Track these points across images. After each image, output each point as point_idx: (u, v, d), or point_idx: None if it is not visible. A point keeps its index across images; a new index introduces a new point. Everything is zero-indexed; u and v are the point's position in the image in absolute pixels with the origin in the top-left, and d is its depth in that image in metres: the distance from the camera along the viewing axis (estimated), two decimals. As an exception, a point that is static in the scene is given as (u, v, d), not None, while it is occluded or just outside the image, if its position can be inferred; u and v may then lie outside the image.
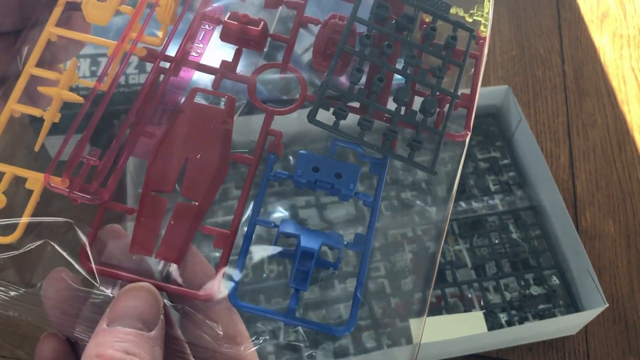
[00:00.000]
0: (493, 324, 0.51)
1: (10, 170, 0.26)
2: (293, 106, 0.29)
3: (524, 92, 0.70)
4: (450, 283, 0.54)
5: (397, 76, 0.29)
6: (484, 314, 0.51)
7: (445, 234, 0.32)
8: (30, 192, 0.26)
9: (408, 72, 0.28)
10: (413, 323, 0.50)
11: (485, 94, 0.63)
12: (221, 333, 0.25)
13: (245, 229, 0.26)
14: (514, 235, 0.57)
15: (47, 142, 0.27)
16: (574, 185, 0.63)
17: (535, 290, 0.54)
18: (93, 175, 0.26)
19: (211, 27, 0.30)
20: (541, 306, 0.53)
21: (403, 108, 0.28)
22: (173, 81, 0.28)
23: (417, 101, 0.29)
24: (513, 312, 0.52)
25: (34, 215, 0.25)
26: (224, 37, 0.29)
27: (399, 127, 0.28)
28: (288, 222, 0.27)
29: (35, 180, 0.26)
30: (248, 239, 0.26)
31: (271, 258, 0.26)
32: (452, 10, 0.30)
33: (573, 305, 0.53)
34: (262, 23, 0.29)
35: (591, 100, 0.69)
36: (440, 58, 0.29)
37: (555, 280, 0.54)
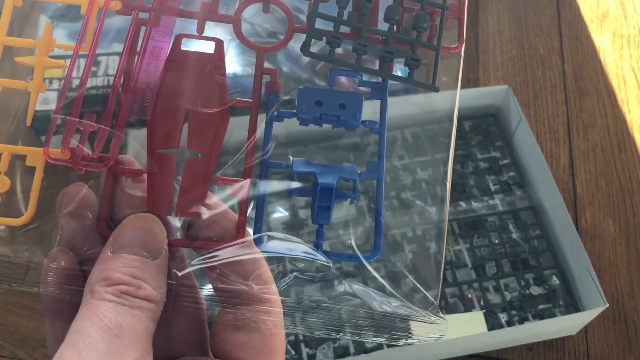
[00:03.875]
0: (493, 324, 0.51)
1: (7, 150, 0.25)
2: (282, 40, 0.28)
3: (524, 92, 0.70)
4: (450, 283, 0.54)
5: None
6: (484, 314, 0.51)
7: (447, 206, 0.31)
8: (33, 170, 0.25)
9: None
10: (413, 323, 0.50)
11: (485, 94, 0.63)
12: (250, 277, 0.25)
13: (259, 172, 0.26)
14: (514, 235, 0.57)
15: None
16: (574, 185, 0.63)
17: (535, 290, 0.54)
18: (94, 141, 0.25)
19: None
20: (541, 306, 0.53)
21: (395, 27, 0.27)
22: (156, 32, 0.27)
23: (407, 19, 0.28)
24: (513, 312, 0.52)
25: (41, 191, 0.25)
26: None
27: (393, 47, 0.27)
28: (300, 160, 0.26)
29: (35, 156, 0.25)
30: (264, 178, 0.26)
31: (289, 196, 0.26)
32: None
33: (573, 305, 0.53)
34: None
35: (591, 100, 0.69)
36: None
37: (555, 280, 0.54)
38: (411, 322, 0.29)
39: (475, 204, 0.58)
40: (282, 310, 0.27)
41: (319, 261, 0.25)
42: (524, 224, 0.57)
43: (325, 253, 0.25)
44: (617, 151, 0.65)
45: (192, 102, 0.26)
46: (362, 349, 0.50)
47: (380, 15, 0.28)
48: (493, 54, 0.73)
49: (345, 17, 0.26)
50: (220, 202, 0.26)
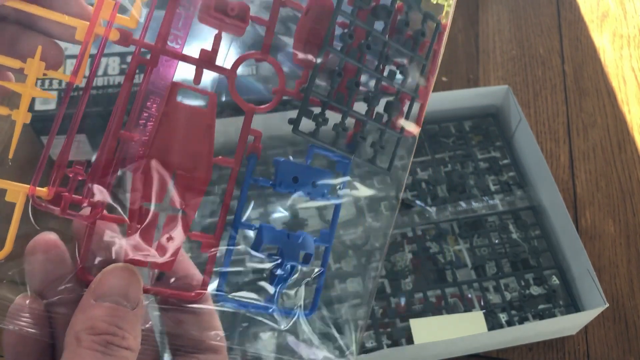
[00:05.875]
0: (493, 324, 0.51)
1: None
2: (271, 103, 0.28)
3: (524, 92, 0.70)
4: (450, 283, 0.54)
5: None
6: (484, 314, 0.51)
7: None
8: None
9: (379, 74, 0.29)
10: (413, 323, 0.51)
11: (485, 94, 0.63)
12: (205, 327, 0.27)
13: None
14: (514, 235, 0.57)
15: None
16: (574, 185, 0.63)
17: (535, 290, 0.54)
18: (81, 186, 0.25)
19: (191, 10, 0.27)
20: (541, 306, 0.53)
21: (371, 110, 0.30)
22: (155, 79, 0.26)
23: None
24: (513, 312, 0.52)
25: (21, 226, 0.24)
26: (201, 18, 0.27)
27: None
28: (267, 228, 0.28)
29: (16, 193, 0.24)
30: (232, 242, 0.28)
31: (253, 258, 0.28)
32: None
33: (573, 305, 0.53)
34: (242, 3, 0.27)
35: (591, 100, 0.69)
36: (407, 54, 0.30)
37: (555, 280, 0.54)
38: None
39: (475, 204, 0.58)
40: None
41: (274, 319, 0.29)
42: (524, 224, 0.57)
43: (279, 310, 0.29)
44: (617, 151, 0.65)
45: (180, 162, 0.26)
46: (362, 349, 0.50)
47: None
48: (493, 54, 0.73)
49: (338, 83, 0.28)
50: (187, 258, 0.28)
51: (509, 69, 0.72)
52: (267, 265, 0.28)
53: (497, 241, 0.57)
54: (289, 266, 0.28)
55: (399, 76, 0.30)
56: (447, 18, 0.31)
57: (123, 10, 0.26)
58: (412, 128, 0.31)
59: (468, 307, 0.52)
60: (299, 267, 0.29)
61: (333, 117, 0.29)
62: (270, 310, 0.28)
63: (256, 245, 0.28)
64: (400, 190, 0.37)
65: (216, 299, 0.28)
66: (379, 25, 0.29)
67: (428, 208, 0.58)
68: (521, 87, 0.70)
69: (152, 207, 0.26)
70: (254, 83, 0.56)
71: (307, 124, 0.28)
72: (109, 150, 0.25)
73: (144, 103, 0.26)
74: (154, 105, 0.26)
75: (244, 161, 0.28)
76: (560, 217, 0.55)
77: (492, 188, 0.60)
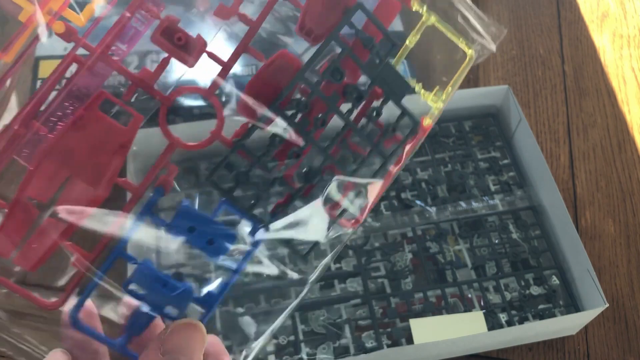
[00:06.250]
0: (493, 324, 0.51)
1: None
2: (200, 143, 0.27)
3: (524, 92, 0.70)
4: (450, 283, 0.54)
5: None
6: (484, 314, 0.51)
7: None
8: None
9: (330, 156, 0.27)
10: (413, 323, 0.51)
11: (485, 94, 0.63)
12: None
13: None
14: (514, 235, 0.57)
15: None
16: (574, 185, 0.63)
17: (535, 290, 0.54)
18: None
19: (143, 27, 0.27)
20: (541, 306, 0.53)
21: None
22: (87, 84, 0.26)
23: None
24: (513, 312, 0.52)
25: None
26: (152, 38, 0.26)
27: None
28: (144, 269, 0.26)
29: None
30: (107, 265, 0.26)
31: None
32: (412, 82, 0.29)
33: (573, 305, 0.53)
34: (196, 35, 0.26)
35: (591, 100, 0.69)
36: (369, 146, 0.28)
37: (555, 280, 0.54)
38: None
39: (475, 204, 0.58)
40: None
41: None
42: (524, 224, 0.57)
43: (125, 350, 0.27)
44: (617, 151, 0.65)
45: (79, 171, 0.25)
46: (362, 349, 0.50)
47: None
48: (493, 54, 0.73)
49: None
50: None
51: (509, 69, 0.72)
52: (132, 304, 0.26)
53: (497, 241, 0.57)
54: (146, 315, 0.26)
55: (352, 166, 0.28)
56: (431, 119, 0.30)
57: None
58: (347, 225, 0.29)
59: (468, 307, 0.52)
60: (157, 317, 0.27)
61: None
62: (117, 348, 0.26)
63: (125, 283, 0.26)
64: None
65: (69, 321, 0.26)
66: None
67: (428, 208, 0.58)
68: (521, 87, 0.70)
69: (34, 204, 0.25)
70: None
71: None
72: (13, 135, 0.25)
73: (63, 102, 0.26)
74: (71, 108, 0.26)
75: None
76: (560, 217, 0.55)
77: (492, 188, 0.60)
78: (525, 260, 0.55)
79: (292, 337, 0.51)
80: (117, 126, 0.25)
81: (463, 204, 0.58)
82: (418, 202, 0.58)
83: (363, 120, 0.29)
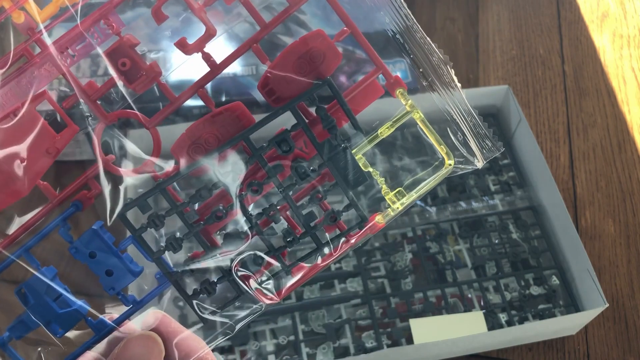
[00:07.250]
0: (493, 324, 0.51)
1: None
2: (138, 168, 0.26)
3: (524, 92, 0.70)
4: (450, 283, 0.54)
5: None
6: (484, 314, 0.51)
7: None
8: None
9: (259, 227, 0.26)
10: (413, 323, 0.51)
11: (485, 94, 0.63)
12: None
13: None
14: (514, 235, 0.57)
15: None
16: (574, 185, 0.63)
17: (535, 290, 0.54)
18: None
19: (97, 41, 0.26)
20: (541, 306, 0.53)
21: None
22: (31, 81, 0.25)
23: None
24: (513, 312, 0.52)
25: None
26: (107, 55, 0.25)
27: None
28: (35, 279, 0.25)
29: None
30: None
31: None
32: (375, 174, 0.27)
33: (573, 305, 0.53)
34: (151, 63, 0.25)
35: (591, 100, 0.69)
36: (304, 227, 0.26)
37: (555, 280, 0.54)
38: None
39: (475, 204, 0.58)
40: None
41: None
42: (524, 224, 0.57)
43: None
44: (617, 151, 0.65)
45: (4, 159, 0.24)
46: (362, 349, 0.50)
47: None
48: (493, 54, 0.73)
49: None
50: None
51: (509, 69, 0.72)
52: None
53: (497, 241, 0.57)
54: (26, 324, 0.25)
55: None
56: (384, 219, 0.28)
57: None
58: (263, 298, 0.27)
59: (468, 307, 0.52)
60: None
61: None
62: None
63: (18, 287, 0.26)
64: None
65: None
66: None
67: (428, 208, 0.58)
68: (521, 87, 0.70)
69: None
70: (253, 83, 0.56)
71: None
72: None
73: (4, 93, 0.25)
74: (9, 102, 0.25)
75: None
76: (560, 217, 0.55)
77: (492, 188, 0.60)
78: (525, 260, 0.55)
79: (292, 337, 0.51)
80: (52, 132, 0.25)
81: (463, 204, 0.58)
82: (418, 202, 0.58)
83: (305, 199, 0.27)
